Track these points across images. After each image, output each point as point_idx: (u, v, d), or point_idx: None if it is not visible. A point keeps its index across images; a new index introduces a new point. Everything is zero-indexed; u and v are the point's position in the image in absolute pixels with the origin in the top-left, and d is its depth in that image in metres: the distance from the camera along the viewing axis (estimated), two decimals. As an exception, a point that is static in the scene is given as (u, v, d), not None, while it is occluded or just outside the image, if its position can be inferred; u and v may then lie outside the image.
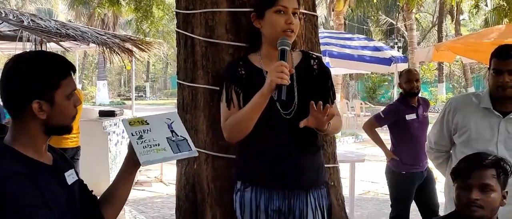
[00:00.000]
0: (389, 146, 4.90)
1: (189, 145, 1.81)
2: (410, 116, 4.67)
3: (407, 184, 4.70)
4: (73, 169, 1.82)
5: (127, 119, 1.82)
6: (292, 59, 2.33)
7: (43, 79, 1.62)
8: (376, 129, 4.97)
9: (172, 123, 1.85)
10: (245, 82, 2.26)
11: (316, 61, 2.39)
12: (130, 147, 1.81)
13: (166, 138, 1.80)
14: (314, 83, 2.33)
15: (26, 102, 1.62)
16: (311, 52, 2.51)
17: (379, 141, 5.00)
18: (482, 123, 2.78)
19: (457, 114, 2.88)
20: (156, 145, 1.76)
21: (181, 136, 1.83)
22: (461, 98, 3.04)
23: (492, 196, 2.16)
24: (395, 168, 4.77)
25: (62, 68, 1.66)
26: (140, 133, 1.77)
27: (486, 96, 2.80)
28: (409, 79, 4.70)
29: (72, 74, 1.69)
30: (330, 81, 2.39)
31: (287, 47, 2.14)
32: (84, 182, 1.92)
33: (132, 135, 1.76)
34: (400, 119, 4.70)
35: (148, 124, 1.81)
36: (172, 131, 1.83)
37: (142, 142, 1.75)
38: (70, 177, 1.77)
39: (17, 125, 1.66)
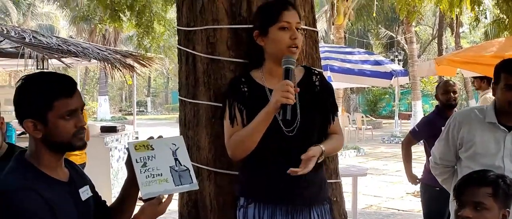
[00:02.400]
0: (424, 162, 4.75)
1: (191, 177, 1.84)
2: None
3: (441, 201, 4.42)
4: (88, 185, 1.86)
5: (133, 143, 1.83)
6: (295, 75, 2.34)
7: (35, 100, 1.66)
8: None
9: (177, 149, 1.87)
10: (247, 99, 2.27)
11: (318, 77, 2.39)
12: (131, 171, 1.83)
13: (169, 167, 1.82)
14: (316, 99, 2.33)
15: (21, 121, 1.69)
16: (313, 68, 2.51)
17: (407, 161, 4.82)
18: (488, 138, 2.77)
19: (462, 128, 2.86)
20: (158, 175, 1.79)
21: (184, 165, 1.85)
22: (465, 113, 3.02)
23: (486, 215, 2.13)
24: (430, 181, 4.47)
25: (56, 90, 1.68)
26: (144, 160, 1.80)
27: (491, 111, 2.79)
28: (446, 90, 4.60)
29: (72, 94, 1.70)
30: (333, 97, 2.40)
31: (292, 65, 2.15)
32: (101, 198, 1.96)
33: (137, 162, 1.79)
34: (436, 131, 4.53)
35: (153, 149, 1.83)
36: (176, 159, 1.85)
37: (145, 170, 1.78)
38: (84, 193, 1.81)
39: (30, 141, 1.73)
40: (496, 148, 2.74)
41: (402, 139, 5.04)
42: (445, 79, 12.92)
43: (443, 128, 4.50)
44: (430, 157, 3.21)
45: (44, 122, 1.66)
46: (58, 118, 1.67)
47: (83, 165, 6.01)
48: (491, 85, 2.81)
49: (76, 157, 5.73)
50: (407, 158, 4.84)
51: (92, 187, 1.90)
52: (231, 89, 2.35)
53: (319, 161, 2.25)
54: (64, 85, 1.70)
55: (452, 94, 4.60)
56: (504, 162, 2.72)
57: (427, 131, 4.64)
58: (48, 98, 1.66)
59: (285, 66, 2.15)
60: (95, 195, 1.91)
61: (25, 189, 1.60)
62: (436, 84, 6.58)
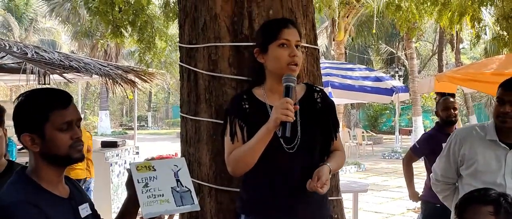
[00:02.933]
0: (424, 178, 4.73)
1: (192, 198, 1.85)
2: None
3: (441, 218, 4.54)
4: (87, 203, 1.87)
5: (135, 163, 1.85)
6: (296, 92, 2.34)
7: (32, 113, 1.70)
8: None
9: (178, 170, 1.88)
10: (248, 116, 2.28)
11: (320, 94, 2.40)
12: (132, 190, 1.84)
13: (171, 187, 1.83)
14: (318, 116, 2.34)
15: (19, 135, 1.71)
16: (315, 85, 2.52)
17: (409, 178, 4.82)
18: (489, 155, 2.78)
19: (463, 146, 2.88)
20: (160, 195, 1.80)
21: (185, 186, 1.86)
22: (466, 130, 3.03)
23: None
24: (431, 198, 4.46)
25: (51, 101, 1.71)
26: (146, 181, 1.81)
27: (492, 128, 2.81)
28: (446, 107, 4.61)
29: (67, 106, 1.73)
30: (334, 114, 2.40)
31: (292, 83, 2.16)
32: (100, 216, 1.96)
33: (138, 182, 1.80)
34: (437, 147, 4.38)
35: (155, 170, 1.84)
36: (178, 180, 1.86)
37: (147, 191, 1.79)
38: (84, 210, 1.82)
39: (30, 157, 1.75)
40: (497, 165, 2.75)
41: (403, 155, 5.04)
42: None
43: (443, 144, 4.53)
44: (431, 174, 3.21)
45: (41, 135, 1.69)
46: (54, 130, 1.69)
47: (90, 180, 6.13)
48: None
49: (80, 171, 5.84)
50: (409, 175, 4.83)
51: (91, 205, 1.90)
52: (232, 105, 2.36)
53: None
54: (59, 97, 1.73)
55: (452, 111, 4.61)
56: (505, 180, 2.72)
57: (428, 147, 4.65)
58: (44, 110, 1.69)
59: (285, 84, 2.16)
60: (94, 213, 1.91)
61: (27, 203, 1.61)
62: (436, 100, 6.58)
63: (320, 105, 2.37)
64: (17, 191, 1.66)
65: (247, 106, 2.31)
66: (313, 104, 2.36)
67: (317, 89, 2.44)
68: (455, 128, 4.66)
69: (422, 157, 4.79)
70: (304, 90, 2.40)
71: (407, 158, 4.85)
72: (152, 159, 1.91)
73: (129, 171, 1.85)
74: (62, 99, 1.73)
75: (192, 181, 1.94)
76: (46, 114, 1.69)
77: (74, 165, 5.57)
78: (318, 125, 2.31)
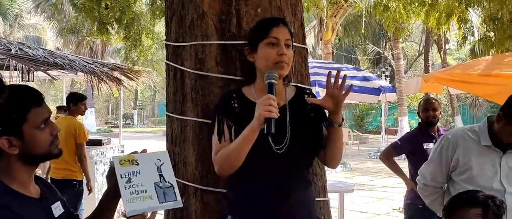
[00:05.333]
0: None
1: (175, 194, 1.82)
2: (428, 145, 4.56)
3: (424, 218, 4.42)
4: (59, 202, 1.82)
5: (118, 157, 1.80)
6: (286, 94, 2.32)
7: (7, 116, 1.62)
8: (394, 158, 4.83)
9: (161, 165, 1.85)
10: (237, 115, 2.24)
11: (310, 96, 2.38)
12: (113, 184, 1.79)
13: (154, 183, 1.80)
14: (308, 118, 2.31)
15: None
16: (305, 87, 2.49)
17: (397, 170, 4.85)
18: (484, 160, 2.72)
19: (456, 151, 2.80)
20: (143, 191, 1.77)
21: (168, 182, 1.83)
22: (458, 134, 2.89)
23: None
24: (412, 200, 4.58)
25: (27, 100, 1.66)
26: (129, 176, 1.77)
27: (485, 133, 2.74)
28: (426, 108, 4.65)
29: (42, 104, 1.69)
30: (324, 115, 2.36)
31: (274, 80, 2.13)
32: (74, 213, 1.93)
33: (121, 177, 1.76)
34: (418, 147, 4.59)
35: (138, 164, 1.80)
36: (161, 175, 1.83)
37: (130, 187, 1.75)
38: (57, 209, 1.78)
39: (1, 159, 1.67)
40: (492, 170, 2.71)
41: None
42: (431, 94, 13.02)
43: (425, 145, 4.55)
44: (418, 178, 3.12)
45: (20, 136, 1.63)
46: (33, 129, 1.65)
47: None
48: (499, 113, 2.68)
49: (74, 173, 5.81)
50: (396, 167, 4.86)
51: (64, 203, 1.86)
52: (221, 104, 2.33)
53: (338, 125, 2.24)
54: (33, 95, 1.68)
55: (431, 112, 4.65)
56: (503, 184, 2.68)
57: (409, 146, 4.71)
58: (21, 110, 1.64)
59: (267, 81, 2.13)
60: (67, 211, 1.87)
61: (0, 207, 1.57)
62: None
63: (310, 107, 2.34)
64: None
65: (236, 105, 2.27)
66: (303, 106, 2.33)
67: (307, 91, 2.42)
68: (438, 129, 4.69)
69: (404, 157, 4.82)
70: (294, 91, 2.37)
71: (387, 153, 4.88)
72: (135, 152, 1.86)
73: (111, 164, 1.81)
74: (36, 96, 1.69)
75: (177, 181, 1.91)
76: (23, 115, 1.63)
77: (70, 166, 5.44)
78: (307, 126, 2.28)
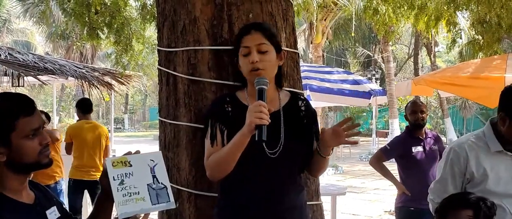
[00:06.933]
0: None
1: (168, 195, 1.81)
2: (417, 149, 4.57)
3: None
4: (55, 206, 1.81)
5: (110, 159, 1.80)
6: (280, 99, 2.33)
7: None
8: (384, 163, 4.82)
9: (155, 166, 1.83)
10: (231, 119, 2.25)
11: (304, 102, 2.39)
12: (106, 186, 1.78)
13: (147, 185, 1.79)
14: (301, 124, 2.32)
15: None
16: (299, 92, 2.50)
17: (388, 175, 4.82)
18: (498, 167, 2.59)
19: (468, 163, 2.63)
20: (135, 193, 1.75)
21: (161, 183, 1.82)
22: (464, 145, 2.68)
23: None
24: (403, 204, 4.59)
25: (16, 109, 1.65)
26: (122, 177, 1.76)
27: (493, 138, 2.59)
28: (414, 111, 4.63)
29: (32, 113, 1.67)
30: (316, 123, 2.39)
31: (264, 86, 2.14)
32: (72, 216, 1.92)
33: (114, 179, 1.75)
34: (406, 151, 4.59)
35: (131, 165, 1.79)
36: (154, 176, 1.82)
37: (122, 188, 1.74)
38: (52, 214, 1.77)
39: None
40: (508, 175, 2.58)
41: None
42: (421, 97, 13.09)
43: (413, 148, 4.52)
44: (429, 197, 2.85)
45: (7, 145, 1.62)
46: (21, 138, 1.64)
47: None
48: (500, 114, 2.52)
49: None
50: (386, 171, 4.85)
51: (60, 207, 1.86)
52: (214, 108, 2.34)
53: (324, 156, 2.25)
54: (24, 105, 1.67)
55: (419, 114, 4.64)
56: None
57: (398, 150, 4.71)
58: (9, 119, 1.62)
59: (258, 87, 2.14)
60: (64, 215, 1.86)
61: None
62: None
63: (304, 113, 2.35)
64: None
65: (229, 109, 2.28)
66: (297, 112, 2.34)
67: (302, 97, 2.43)
68: (426, 132, 4.70)
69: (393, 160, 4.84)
70: (288, 97, 2.38)
71: (377, 158, 4.86)
72: (129, 153, 1.85)
73: (104, 165, 1.81)
74: (27, 105, 1.67)
75: (171, 186, 1.90)
76: (12, 124, 1.62)
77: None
78: (301, 132, 2.29)
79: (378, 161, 4.84)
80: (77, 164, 6.38)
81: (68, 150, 6.45)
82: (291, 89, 2.54)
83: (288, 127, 2.27)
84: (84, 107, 6.54)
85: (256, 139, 2.04)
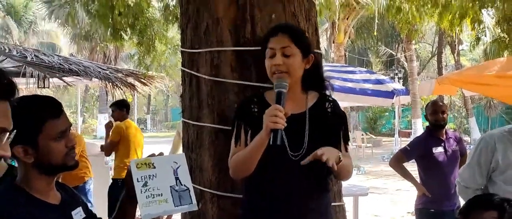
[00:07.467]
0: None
1: (191, 197, 1.82)
2: (437, 149, 4.51)
3: None
4: (80, 207, 1.85)
5: (135, 161, 1.82)
6: (307, 100, 2.31)
7: (24, 125, 1.61)
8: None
9: (178, 168, 1.85)
10: (257, 119, 2.23)
11: (331, 104, 2.35)
12: (130, 188, 1.80)
13: (170, 187, 1.80)
14: (327, 125, 2.29)
15: (11, 147, 1.64)
16: (328, 95, 2.43)
17: (408, 176, 4.78)
18: None
19: (495, 153, 2.86)
20: (159, 195, 1.77)
21: (184, 185, 1.83)
22: (496, 136, 2.95)
23: None
24: (423, 205, 4.55)
25: (44, 112, 1.68)
26: (145, 179, 1.78)
27: None
28: (435, 111, 4.56)
29: (59, 116, 1.71)
30: (345, 126, 2.35)
31: (283, 89, 2.13)
32: (96, 216, 1.95)
33: (138, 181, 1.77)
34: (427, 152, 4.53)
35: (154, 167, 1.81)
36: (177, 178, 1.82)
37: (146, 190, 1.76)
38: (77, 215, 1.81)
39: (19, 166, 1.72)
40: None
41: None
42: (445, 96, 12.92)
43: (433, 149, 4.47)
44: (458, 180, 3.15)
45: (35, 146, 1.66)
46: (48, 140, 1.67)
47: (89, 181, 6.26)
48: None
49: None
50: (406, 172, 4.80)
51: (86, 208, 1.89)
52: (241, 108, 2.35)
53: (333, 165, 2.12)
54: (51, 107, 1.71)
55: (440, 115, 4.57)
56: None
57: (418, 150, 4.64)
58: (37, 121, 1.66)
59: (277, 90, 2.14)
60: (90, 216, 1.89)
61: (18, 213, 1.60)
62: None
63: (330, 115, 2.32)
64: (8, 201, 1.63)
65: (256, 109, 2.28)
66: (323, 113, 2.31)
67: (330, 99, 2.38)
68: (447, 132, 4.64)
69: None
70: (316, 98, 2.35)
71: (396, 159, 4.81)
72: (152, 155, 1.87)
73: (128, 167, 1.83)
74: (54, 108, 1.71)
75: (194, 187, 1.92)
76: (39, 126, 1.66)
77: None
78: (326, 134, 2.27)
79: (398, 162, 4.79)
80: (126, 163, 6.39)
81: (112, 149, 6.55)
82: (321, 91, 2.49)
83: (313, 129, 2.25)
84: (127, 107, 6.79)
85: (271, 143, 2.04)
